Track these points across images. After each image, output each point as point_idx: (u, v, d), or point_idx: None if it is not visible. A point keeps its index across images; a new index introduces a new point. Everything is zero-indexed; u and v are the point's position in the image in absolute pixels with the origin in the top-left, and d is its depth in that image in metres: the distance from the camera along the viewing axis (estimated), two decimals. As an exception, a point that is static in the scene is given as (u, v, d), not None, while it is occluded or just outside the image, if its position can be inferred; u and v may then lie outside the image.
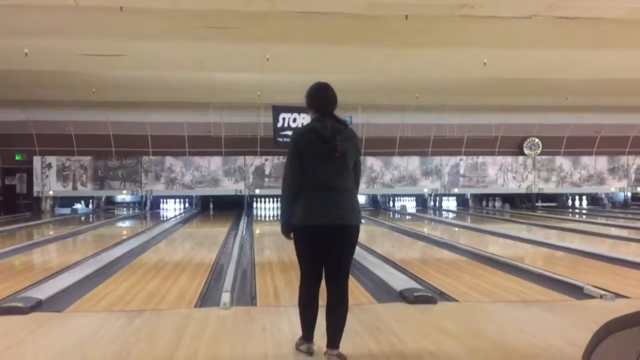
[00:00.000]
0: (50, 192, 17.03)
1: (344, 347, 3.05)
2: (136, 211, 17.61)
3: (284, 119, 16.62)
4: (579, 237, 9.79)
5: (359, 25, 8.99)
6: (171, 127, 17.43)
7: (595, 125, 18.56)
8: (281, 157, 16.94)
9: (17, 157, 17.31)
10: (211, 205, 18.00)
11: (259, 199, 18.19)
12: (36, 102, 15.20)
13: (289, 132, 16.03)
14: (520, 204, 19.14)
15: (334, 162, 3.04)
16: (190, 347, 3.30)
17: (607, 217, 14.62)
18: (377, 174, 18.05)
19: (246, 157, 17.64)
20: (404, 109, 16.77)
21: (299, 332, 3.23)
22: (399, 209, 18.60)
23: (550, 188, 18.88)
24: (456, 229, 12.10)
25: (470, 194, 18.92)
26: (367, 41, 9.75)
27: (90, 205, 17.75)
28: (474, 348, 3.32)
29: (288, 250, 6.46)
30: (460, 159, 18.57)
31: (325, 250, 3.05)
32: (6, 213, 16.09)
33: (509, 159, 18.75)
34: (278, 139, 16.56)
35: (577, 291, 4.81)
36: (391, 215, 16.28)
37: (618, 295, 4.61)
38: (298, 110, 16.22)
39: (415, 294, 4.54)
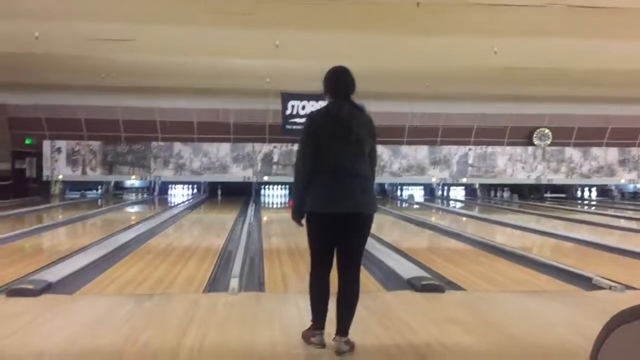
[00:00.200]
0: (60, 177, 17.12)
1: (353, 333, 3.05)
2: (145, 196, 17.68)
3: (292, 106, 16.57)
4: (587, 228, 9.73)
5: (369, 12, 8.92)
6: (180, 113, 17.45)
7: (606, 117, 18.39)
8: (290, 145, 16.90)
9: (27, 141, 17.38)
10: (219, 192, 18.01)
11: (267, 186, 18.18)
12: (46, 87, 15.20)
13: (298, 120, 15.99)
14: (529, 194, 19.02)
15: (349, 146, 2.97)
16: (198, 332, 3.31)
17: (616, 208, 14.54)
18: (385, 162, 18.00)
19: (255, 144, 17.61)
20: (413, 97, 16.65)
21: (307, 319, 3.18)
22: (406, 197, 18.58)
23: (559, 179, 18.75)
24: (464, 218, 12.07)
25: (479, 184, 18.83)
26: (377, 28, 9.65)
27: (99, 190, 17.85)
28: (481, 336, 3.32)
29: (296, 237, 6.47)
30: (470, 149, 18.45)
31: (338, 238, 2.99)
32: (16, 196, 16.20)
33: (518, 149, 18.60)
34: (287, 126, 16.53)
35: (585, 282, 4.79)
36: (399, 204, 16.25)
37: (627, 287, 4.58)
38: (307, 97, 16.14)
39: (423, 283, 4.53)
